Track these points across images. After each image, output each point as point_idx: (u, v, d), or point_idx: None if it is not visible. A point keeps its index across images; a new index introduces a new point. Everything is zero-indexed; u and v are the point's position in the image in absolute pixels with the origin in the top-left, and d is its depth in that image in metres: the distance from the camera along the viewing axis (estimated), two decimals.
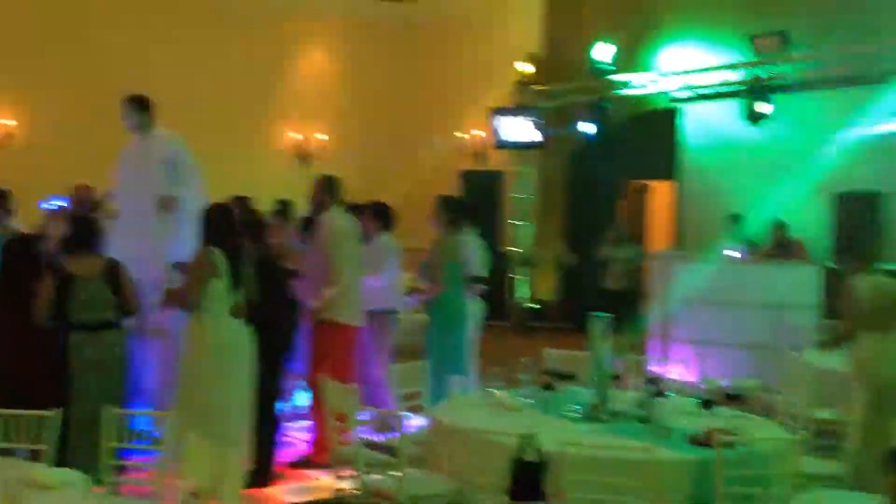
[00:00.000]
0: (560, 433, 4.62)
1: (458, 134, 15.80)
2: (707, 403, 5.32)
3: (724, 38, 12.34)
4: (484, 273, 7.87)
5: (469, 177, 15.26)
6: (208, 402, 5.63)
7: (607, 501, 4.27)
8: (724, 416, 5.15)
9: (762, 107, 11.56)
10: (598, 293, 11.49)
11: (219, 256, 5.66)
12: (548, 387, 5.60)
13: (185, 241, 6.51)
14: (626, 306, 10.33)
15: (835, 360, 6.35)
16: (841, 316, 6.14)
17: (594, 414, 5.09)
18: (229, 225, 5.84)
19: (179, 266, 6.30)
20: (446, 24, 16.08)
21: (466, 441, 4.75)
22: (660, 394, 5.38)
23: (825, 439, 5.52)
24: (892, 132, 10.38)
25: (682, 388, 6.21)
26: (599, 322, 5.26)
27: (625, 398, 5.28)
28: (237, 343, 5.78)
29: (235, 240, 5.82)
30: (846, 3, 11.24)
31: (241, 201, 8.09)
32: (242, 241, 5.94)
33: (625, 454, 4.32)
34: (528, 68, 14.32)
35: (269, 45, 15.13)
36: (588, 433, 4.76)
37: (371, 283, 7.52)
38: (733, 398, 5.85)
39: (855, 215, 10.65)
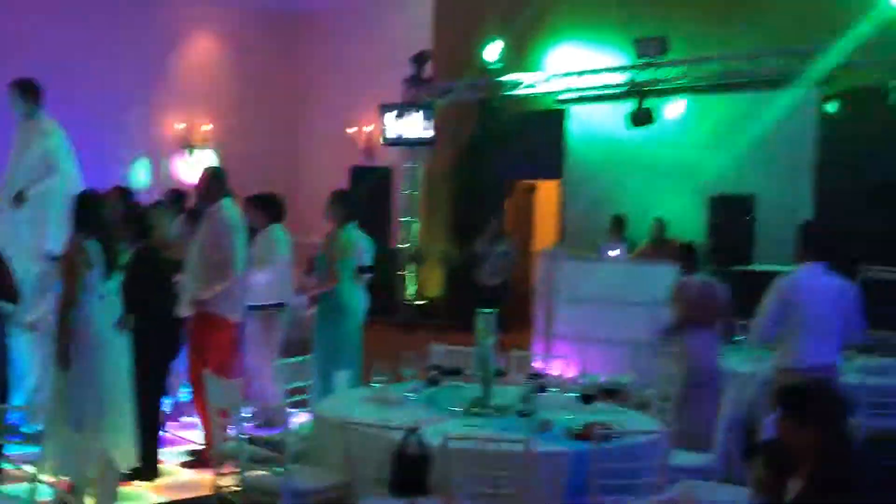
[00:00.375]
0: (444, 427, 4.70)
1: (347, 129, 15.74)
2: (586, 398, 5.49)
3: (609, 41, 12.59)
4: (368, 263, 7.90)
5: (358, 172, 15.23)
6: (82, 396, 5.51)
7: (489, 494, 4.36)
8: (601, 411, 5.32)
9: (656, 110, 11.77)
10: (475, 289, 11.76)
11: (91, 245, 5.53)
12: (433, 382, 5.70)
13: (62, 231, 6.34)
14: (501, 302, 10.53)
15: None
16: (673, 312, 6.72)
17: (478, 408, 5.18)
18: (100, 213, 5.70)
19: (54, 257, 6.14)
20: (338, 16, 15.99)
21: (350, 435, 4.76)
22: (541, 389, 5.53)
23: (695, 432, 5.73)
24: (768, 135, 10.80)
25: (563, 384, 6.35)
26: (484, 318, 5.36)
27: (508, 393, 5.38)
28: (110, 335, 5.67)
29: (108, 228, 5.69)
30: (726, 9, 11.63)
31: (122, 192, 7.92)
32: (117, 230, 5.82)
33: (506, 447, 4.41)
34: (419, 64, 14.36)
35: (154, 31, 14.78)
36: (471, 427, 4.85)
37: (258, 277, 7.44)
38: (611, 393, 6.04)
39: (727, 217, 11.03)
